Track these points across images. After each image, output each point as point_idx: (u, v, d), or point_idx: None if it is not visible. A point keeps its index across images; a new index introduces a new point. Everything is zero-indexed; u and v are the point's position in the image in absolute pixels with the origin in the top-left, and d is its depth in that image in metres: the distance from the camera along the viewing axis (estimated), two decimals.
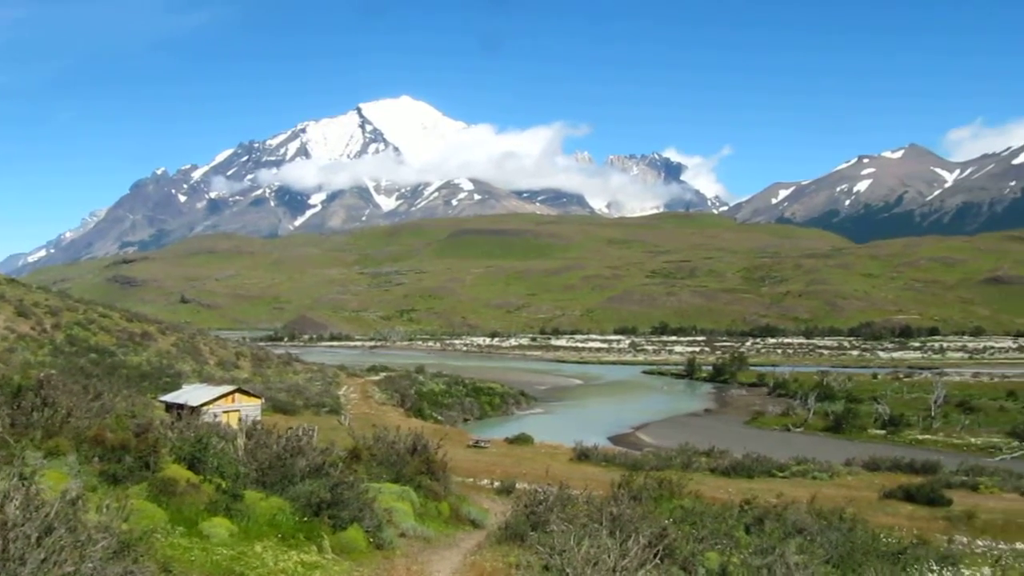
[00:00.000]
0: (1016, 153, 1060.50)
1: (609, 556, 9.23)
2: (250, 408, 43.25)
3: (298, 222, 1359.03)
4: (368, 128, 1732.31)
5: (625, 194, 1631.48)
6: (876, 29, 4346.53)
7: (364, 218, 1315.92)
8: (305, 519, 11.81)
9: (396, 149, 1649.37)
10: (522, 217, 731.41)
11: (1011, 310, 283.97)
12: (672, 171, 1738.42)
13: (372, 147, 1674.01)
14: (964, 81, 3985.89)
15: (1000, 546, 21.84)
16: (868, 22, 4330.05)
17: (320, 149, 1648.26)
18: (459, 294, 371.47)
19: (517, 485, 25.13)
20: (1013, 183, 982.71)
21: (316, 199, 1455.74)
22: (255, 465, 13.10)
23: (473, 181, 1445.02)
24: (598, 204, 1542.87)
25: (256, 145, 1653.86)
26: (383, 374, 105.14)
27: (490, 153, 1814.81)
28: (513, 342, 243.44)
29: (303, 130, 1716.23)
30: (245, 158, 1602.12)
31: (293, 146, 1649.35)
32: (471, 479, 29.71)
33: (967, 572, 16.28)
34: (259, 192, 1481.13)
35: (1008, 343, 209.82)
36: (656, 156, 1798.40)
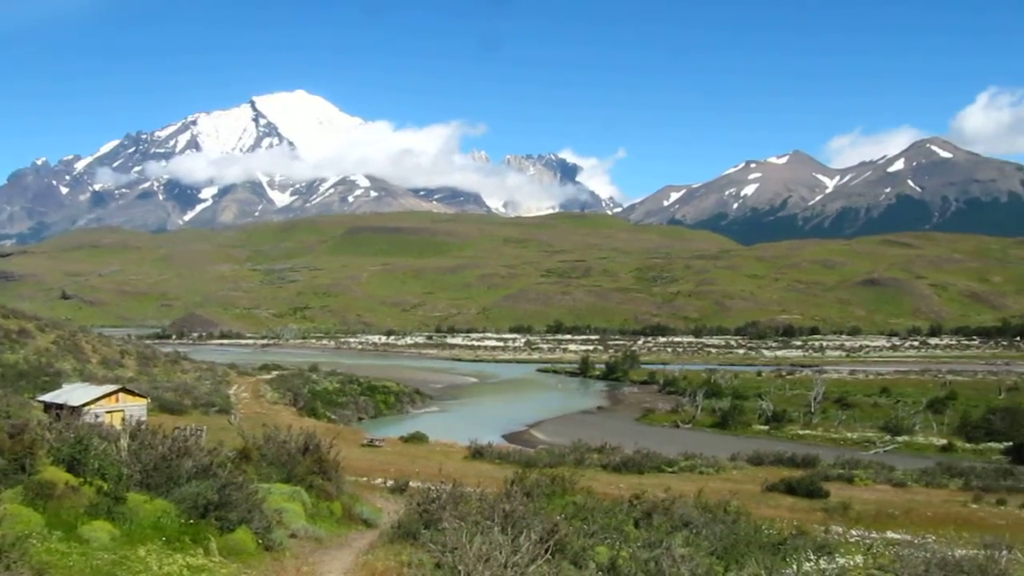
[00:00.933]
0: (891, 161, 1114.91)
1: (501, 552, 9.33)
2: (135, 408, 41.79)
3: (188, 217, 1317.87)
4: (262, 122, 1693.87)
5: (521, 194, 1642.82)
6: (761, 42, 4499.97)
7: (257, 214, 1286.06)
8: (191, 521, 11.51)
9: (291, 144, 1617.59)
10: (419, 215, 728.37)
11: (885, 311, 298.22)
12: (568, 172, 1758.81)
13: (266, 141, 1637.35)
14: (845, 92, 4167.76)
15: (872, 535, 22.92)
16: (754, 34, 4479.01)
17: (211, 142, 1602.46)
18: (354, 292, 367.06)
19: (411, 484, 25.06)
20: (888, 190, 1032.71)
21: (207, 193, 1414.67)
22: (139, 467, 12.69)
23: (370, 178, 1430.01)
24: (495, 203, 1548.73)
25: (144, 136, 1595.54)
26: (275, 373, 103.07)
27: (387, 150, 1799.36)
28: (409, 340, 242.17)
29: (194, 122, 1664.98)
30: (132, 149, 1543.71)
31: (183, 138, 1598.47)
32: (365, 478, 29.47)
33: (841, 560, 17.01)
34: (147, 185, 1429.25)
35: (882, 342, 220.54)
36: (552, 157, 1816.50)
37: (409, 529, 12.89)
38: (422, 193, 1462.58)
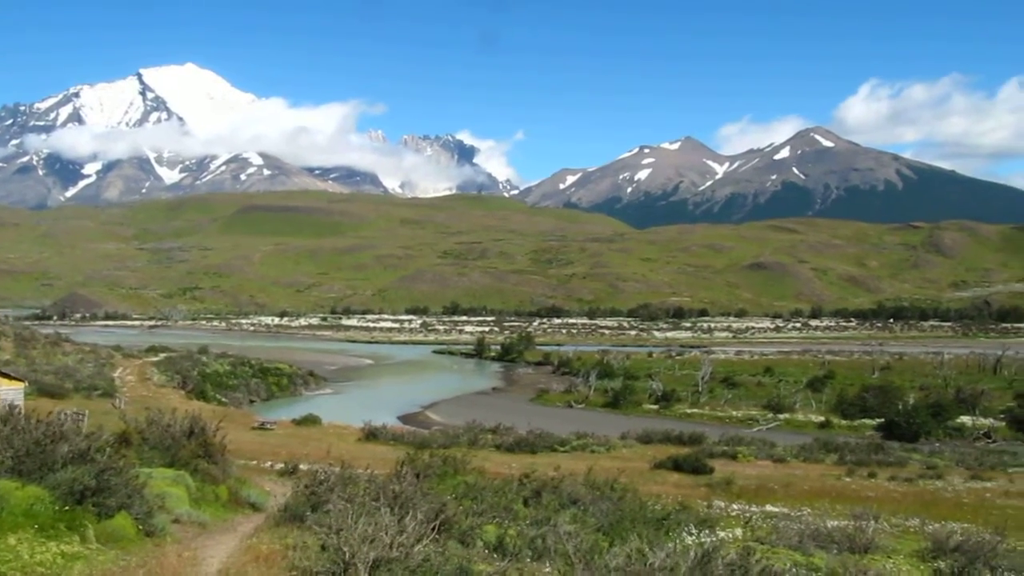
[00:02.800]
0: (777, 149, 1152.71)
1: (387, 533, 9.37)
2: (11, 392, 39.85)
3: (70, 193, 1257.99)
4: (149, 95, 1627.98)
5: (419, 174, 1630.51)
6: (656, 26, 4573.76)
7: (144, 190, 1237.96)
8: (67, 508, 11.14)
9: (180, 119, 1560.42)
10: (314, 194, 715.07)
11: (770, 293, 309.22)
12: (465, 153, 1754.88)
13: (154, 116, 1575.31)
14: (736, 80, 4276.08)
15: (752, 509, 23.82)
16: (649, 18, 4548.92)
17: (96, 115, 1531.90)
18: (247, 272, 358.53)
19: (301, 467, 24.79)
20: (774, 177, 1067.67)
21: (91, 169, 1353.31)
22: (11, 452, 12.19)
23: (263, 156, 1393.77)
24: (391, 184, 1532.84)
25: (23, 108, 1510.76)
26: (163, 355, 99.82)
27: (282, 128, 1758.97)
28: (303, 322, 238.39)
29: (76, 94, 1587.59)
30: (9, 122, 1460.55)
31: (65, 111, 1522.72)
32: (255, 462, 29.00)
33: (722, 533, 17.68)
34: (26, 159, 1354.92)
35: (767, 324, 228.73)
36: (450, 138, 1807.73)
37: (296, 512, 12.79)
38: (317, 172, 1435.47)
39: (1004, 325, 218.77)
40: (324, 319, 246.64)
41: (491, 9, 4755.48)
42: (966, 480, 34.40)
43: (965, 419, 63.82)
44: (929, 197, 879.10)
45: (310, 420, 53.44)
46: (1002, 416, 64.79)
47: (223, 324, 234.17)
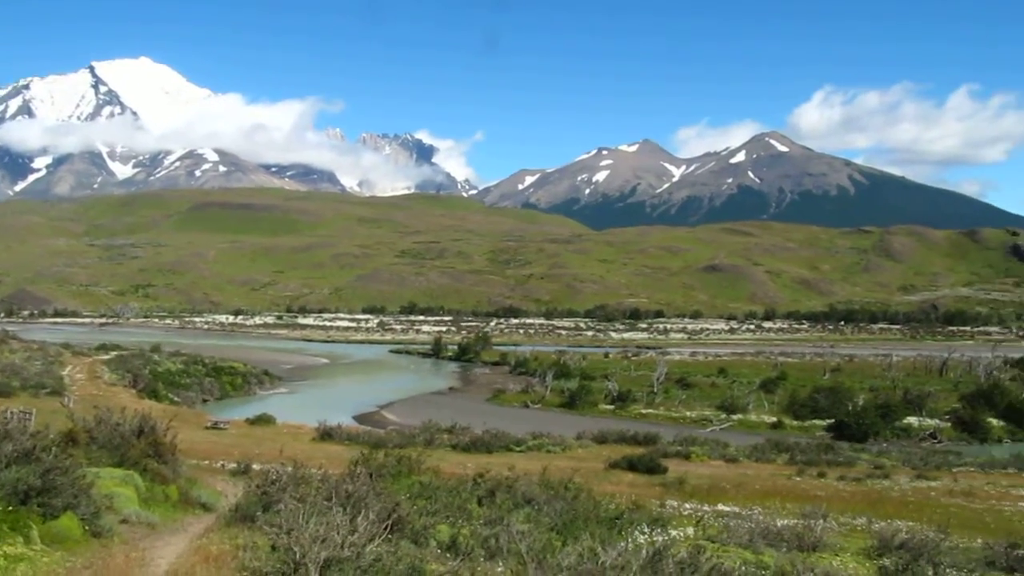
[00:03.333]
0: (733, 153, 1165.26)
1: (338, 533, 9.33)
2: None
3: (19, 187, 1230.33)
4: (102, 89, 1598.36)
5: (377, 173, 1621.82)
6: (616, 27, 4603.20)
7: (96, 186, 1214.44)
8: (11, 509, 10.93)
9: (134, 113, 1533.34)
10: (270, 192, 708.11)
11: (725, 295, 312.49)
12: (424, 153, 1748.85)
13: (106, 110, 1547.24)
14: (693, 84, 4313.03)
15: (705, 508, 24.09)
16: (609, 19, 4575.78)
17: (46, 109, 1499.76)
18: (201, 269, 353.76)
19: (254, 466, 24.56)
20: (730, 180, 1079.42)
21: (41, 163, 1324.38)
22: None
23: (219, 152, 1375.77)
24: (349, 182, 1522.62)
25: None
26: (114, 353, 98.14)
27: (238, 124, 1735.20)
28: (258, 320, 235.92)
29: (26, 86, 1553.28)
30: None
31: (14, 103, 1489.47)
32: (207, 461, 28.67)
33: (674, 532, 17.86)
34: None
35: (721, 325, 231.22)
36: (409, 137, 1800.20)
37: (247, 512, 12.68)
38: (274, 169, 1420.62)
39: (950, 328, 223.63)
40: (280, 318, 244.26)
41: (453, 9, 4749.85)
42: (912, 479, 35.09)
43: (912, 420, 65.08)
44: (880, 202, 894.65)
45: (264, 420, 52.91)
46: (947, 417, 66.20)
47: (176, 322, 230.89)
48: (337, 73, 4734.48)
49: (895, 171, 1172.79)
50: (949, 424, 64.77)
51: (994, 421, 65.27)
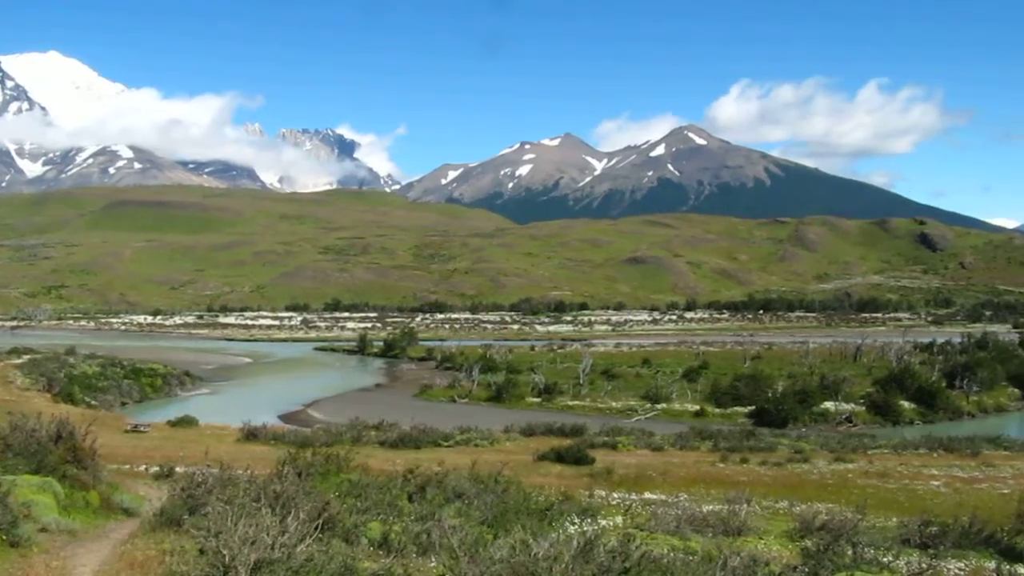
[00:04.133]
0: (653, 147, 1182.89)
1: (268, 534, 9.23)
2: None
3: None
4: (9, 84, 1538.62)
5: (298, 169, 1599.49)
6: (535, 27, 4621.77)
7: (4, 184, 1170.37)
8: None
9: (43, 109, 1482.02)
10: (188, 189, 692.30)
11: (647, 287, 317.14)
12: (346, 148, 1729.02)
13: (14, 106, 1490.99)
14: (614, 79, 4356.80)
15: (632, 497, 24.46)
16: (529, 19, 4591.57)
17: None
18: (116, 269, 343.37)
19: (178, 469, 24.04)
20: (651, 173, 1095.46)
21: None
22: None
23: (133, 149, 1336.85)
24: (269, 178, 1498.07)
25: None
26: (27, 356, 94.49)
27: (153, 120, 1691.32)
28: (178, 320, 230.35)
29: None
30: None
31: None
32: (128, 466, 27.96)
33: (603, 521, 18.12)
34: None
35: (644, 316, 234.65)
36: (330, 132, 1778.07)
37: (172, 516, 12.43)
38: (192, 166, 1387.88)
39: (863, 315, 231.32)
40: (200, 317, 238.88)
41: (367, 3, 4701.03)
42: (830, 462, 36.15)
43: (829, 405, 67.00)
44: (795, 194, 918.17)
45: (186, 421, 51.76)
46: (862, 401, 68.36)
47: (92, 323, 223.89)
48: (256, 67, 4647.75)
49: (809, 163, 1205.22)
50: (864, 408, 66.88)
51: (905, 404, 67.62)
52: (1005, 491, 28.06)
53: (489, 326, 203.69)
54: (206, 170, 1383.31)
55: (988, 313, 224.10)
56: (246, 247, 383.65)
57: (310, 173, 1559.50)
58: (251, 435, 43.96)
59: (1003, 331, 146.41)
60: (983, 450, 40.29)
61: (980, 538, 17.48)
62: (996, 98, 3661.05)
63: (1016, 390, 77.76)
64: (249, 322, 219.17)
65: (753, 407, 65.18)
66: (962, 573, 14.76)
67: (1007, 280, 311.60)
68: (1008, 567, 12.77)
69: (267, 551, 8.99)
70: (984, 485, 30.26)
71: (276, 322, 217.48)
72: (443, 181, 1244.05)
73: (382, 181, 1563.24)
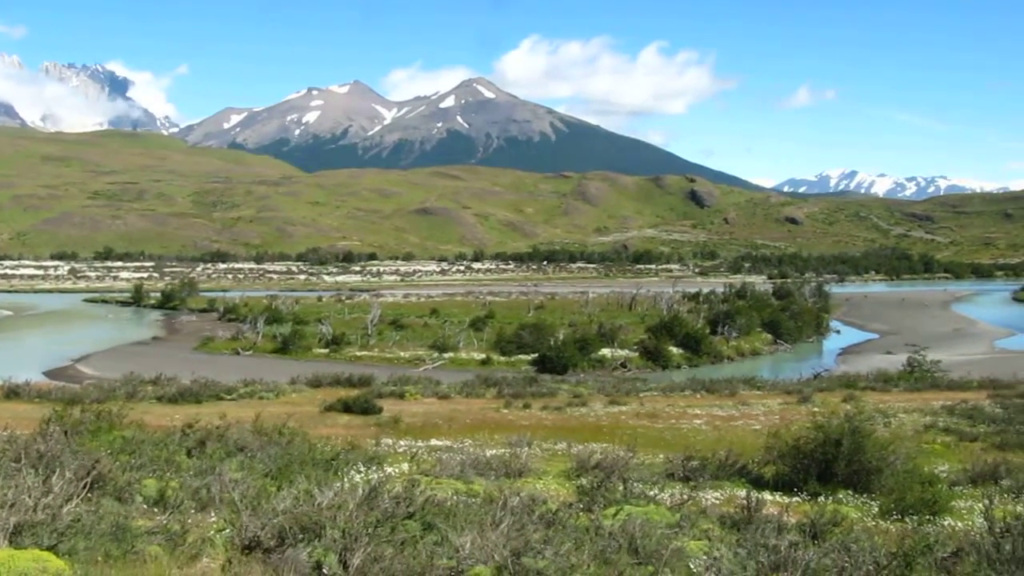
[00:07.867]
0: (443, 98, 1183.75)
1: (30, 496, 8.72)
2: None
3: None
4: None
5: (63, 107, 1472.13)
6: None
7: None
8: None
9: None
10: None
11: (436, 238, 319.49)
12: (118, 86, 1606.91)
13: None
14: (405, 29, 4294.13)
15: (418, 444, 24.83)
16: None
17: None
18: None
19: None
20: (440, 124, 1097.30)
21: None
22: None
23: None
24: (31, 116, 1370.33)
25: None
26: None
27: None
28: None
29: None
30: None
31: None
32: None
33: (390, 469, 18.33)
34: None
35: (433, 267, 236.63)
36: (99, 68, 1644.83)
37: None
38: None
39: (639, 266, 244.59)
40: None
41: None
42: (606, 406, 38.19)
43: (606, 351, 70.53)
44: (578, 149, 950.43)
45: None
46: (636, 347, 72.53)
47: None
48: None
49: (592, 120, 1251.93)
50: (637, 354, 71.00)
51: (674, 349, 72.41)
52: (756, 427, 30.77)
53: (275, 276, 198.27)
54: None
55: (747, 265, 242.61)
56: (5, 191, 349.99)
57: (77, 112, 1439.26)
58: (12, 393, 40.68)
59: (759, 282, 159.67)
60: (740, 391, 43.83)
61: (734, 470, 19.24)
62: (762, 70, 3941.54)
63: (769, 335, 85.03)
64: (8, 272, 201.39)
65: (536, 355, 67.46)
66: (718, 501, 16.18)
67: (764, 235, 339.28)
68: (756, 494, 14.21)
69: (29, 513, 8.50)
70: (739, 422, 33.03)
71: (40, 272, 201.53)
72: (226, 125, 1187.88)
73: (159, 123, 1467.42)
